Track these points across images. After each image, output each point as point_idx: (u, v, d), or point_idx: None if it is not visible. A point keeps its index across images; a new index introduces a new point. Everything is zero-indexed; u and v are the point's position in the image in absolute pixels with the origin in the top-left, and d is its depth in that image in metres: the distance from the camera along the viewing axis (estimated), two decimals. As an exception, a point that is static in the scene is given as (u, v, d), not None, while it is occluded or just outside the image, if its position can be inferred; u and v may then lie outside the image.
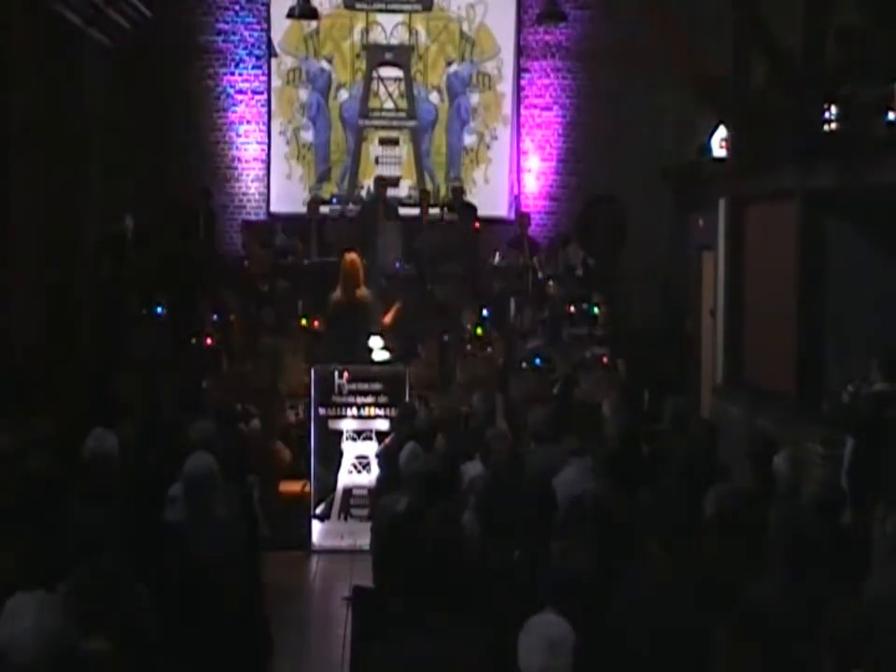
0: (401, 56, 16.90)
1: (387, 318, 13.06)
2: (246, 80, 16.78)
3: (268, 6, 16.67)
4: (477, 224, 15.58)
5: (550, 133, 16.97)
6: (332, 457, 11.29)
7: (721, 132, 14.39)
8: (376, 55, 16.89)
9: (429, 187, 16.34)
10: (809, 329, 11.56)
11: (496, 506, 6.06)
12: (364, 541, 9.81)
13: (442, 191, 16.53)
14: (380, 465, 9.71)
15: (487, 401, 9.99)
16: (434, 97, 16.95)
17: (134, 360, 12.85)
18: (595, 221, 15.80)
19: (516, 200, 16.77)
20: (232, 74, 16.77)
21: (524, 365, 12.99)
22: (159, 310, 13.48)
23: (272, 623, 6.91)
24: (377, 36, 16.87)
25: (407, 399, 11.35)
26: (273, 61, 16.75)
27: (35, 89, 12.70)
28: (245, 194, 16.83)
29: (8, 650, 4.15)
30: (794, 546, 5.25)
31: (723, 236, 13.90)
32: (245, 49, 16.77)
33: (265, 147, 16.79)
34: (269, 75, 16.76)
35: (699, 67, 13.59)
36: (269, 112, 16.78)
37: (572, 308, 14.34)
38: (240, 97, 16.78)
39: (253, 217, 16.34)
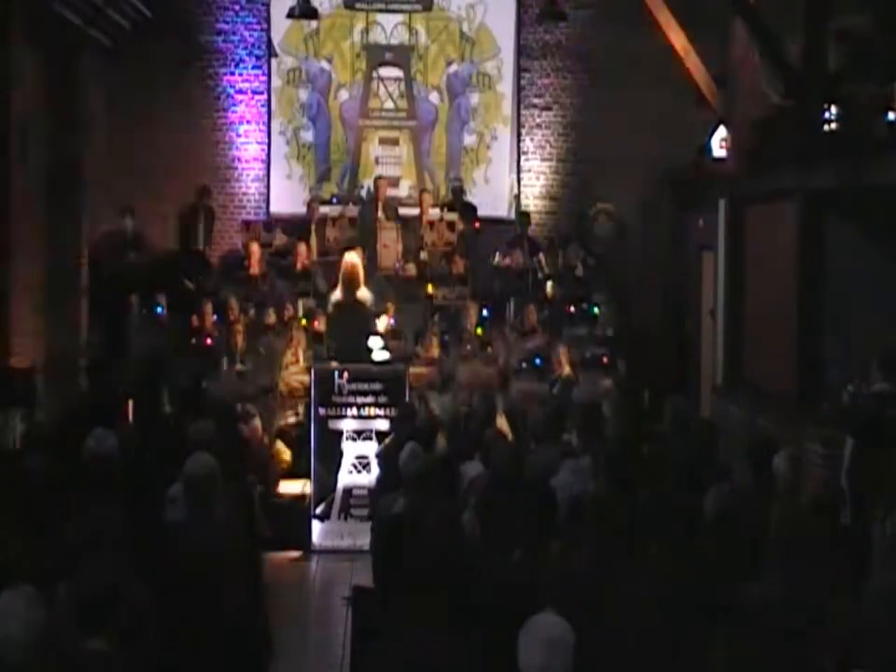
0: (401, 56, 16.90)
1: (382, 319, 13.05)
2: (246, 80, 16.78)
3: (268, 6, 16.67)
4: (477, 224, 15.58)
5: (550, 132, 16.97)
6: (332, 457, 11.29)
7: (721, 132, 14.39)
8: (376, 55, 16.88)
9: (429, 187, 16.34)
10: (809, 328, 11.56)
11: (496, 506, 6.06)
12: (364, 541, 9.81)
13: (442, 191, 16.52)
14: (380, 465, 9.71)
15: (487, 401, 9.99)
16: (434, 97, 16.95)
17: (134, 360, 12.85)
18: (596, 221, 15.81)
19: (516, 200, 16.77)
20: (232, 74, 16.76)
21: (524, 365, 12.98)
22: (159, 310, 13.48)
23: (272, 622, 6.91)
24: (377, 36, 16.87)
25: (407, 398, 11.35)
26: (273, 61, 16.74)
27: (35, 89, 12.70)
28: (244, 194, 16.82)
29: (2, 649, 4.15)
30: (794, 546, 5.25)
31: (723, 236, 13.90)
32: (245, 48, 16.77)
33: (265, 147, 16.79)
34: (269, 75, 16.75)
35: (699, 67, 13.59)
36: (269, 112, 16.78)
37: (572, 308, 14.34)
38: (240, 97, 16.77)
39: (253, 217, 16.33)
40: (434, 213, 15.26)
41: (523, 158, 16.95)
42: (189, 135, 16.59)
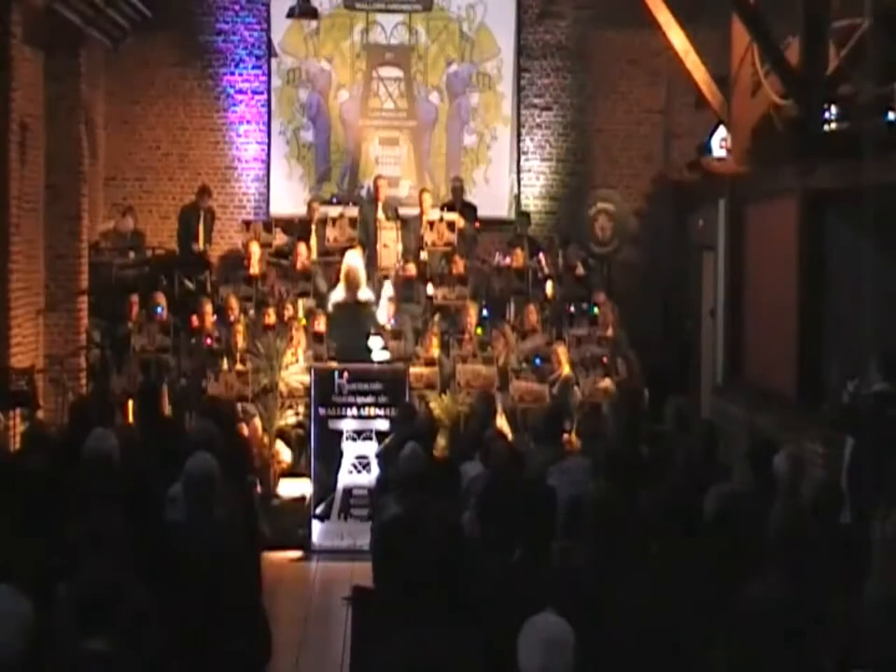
0: (401, 56, 16.90)
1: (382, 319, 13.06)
2: (246, 80, 16.78)
3: (268, 6, 16.67)
4: (477, 224, 15.58)
5: (550, 132, 16.98)
6: (332, 457, 11.29)
7: (721, 132, 14.39)
8: (376, 55, 16.89)
9: (429, 187, 16.34)
10: (809, 329, 11.56)
11: (496, 506, 6.05)
12: (364, 541, 9.81)
13: (442, 191, 16.52)
14: (380, 465, 9.71)
15: (487, 401, 9.99)
16: (434, 97, 16.95)
17: (134, 360, 12.85)
18: (596, 221, 15.81)
19: (516, 200, 16.77)
20: (232, 74, 16.77)
21: (524, 365, 12.98)
22: (159, 310, 13.48)
23: (272, 622, 6.90)
24: (377, 36, 16.87)
25: (407, 398, 11.34)
26: (273, 61, 16.75)
27: (35, 89, 12.71)
28: (244, 194, 16.83)
29: None
30: (794, 546, 5.25)
31: (723, 236, 13.89)
32: (245, 48, 16.77)
33: (265, 146, 16.79)
34: (269, 75, 16.76)
35: (699, 67, 13.59)
36: (269, 112, 16.78)
37: (572, 308, 14.33)
38: (240, 97, 16.78)
39: (253, 217, 16.34)
40: (434, 213, 15.25)
41: (523, 158, 16.95)
42: (189, 135, 16.60)
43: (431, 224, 14.87)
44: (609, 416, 9.54)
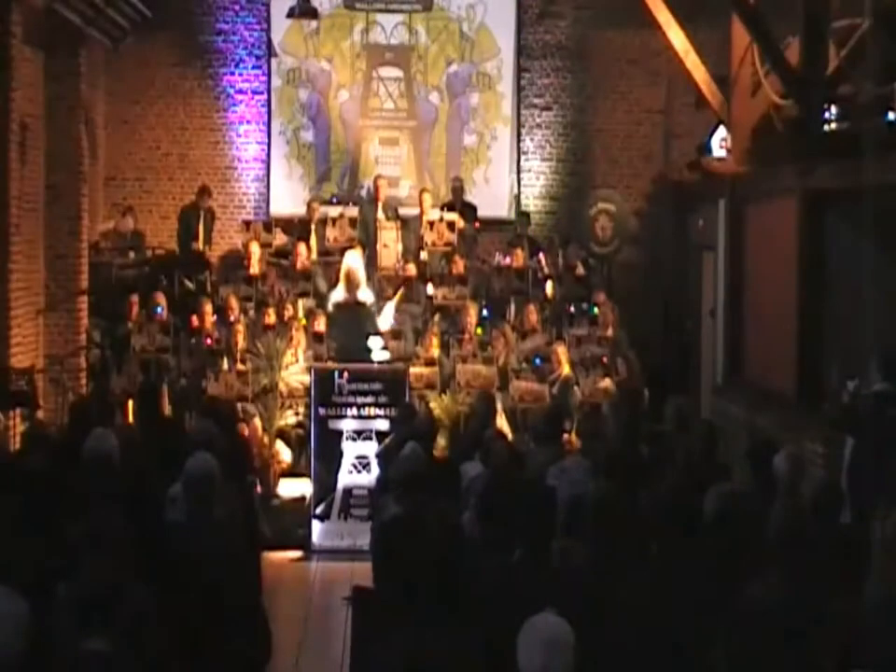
0: (401, 56, 16.90)
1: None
2: (246, 80, 16.79)
3: (268, 6, 16.67)
4: (477, 224, 15.58)
5: (550, 132, 16.98)
6: (332, 457, 11.28)
7: (721, 132, 14.39)
8: (376, 55, 16.89)
9: (429, 187, 16.34)
10: (809, 328, 11.56)
11: (496, 506, 6.06)
12: (364, 541, 9.81)
13: (442, 191, 16.52)
14: (380, 465, 9.71)
15: (487, 401, 9.98)
16: (434, 97, 16.95)
17: (134, 360, 12.85)
18: (596, 221, 15.81)
19: (516, 200, 16.77)
20: (232, 74, 16.77)
21: (524, 365, 12.98)
22: (159, 310, 13.48)
23: (272, 622, 6.90)
24: (377, 36, 16.87)
25: (407, 399, 11.34)
26: (273, 61, 16.75)
27: (35, 89, 12.71)
28: (244, 194, 16.83)
29: None
30: (794, 546, 5.25)
31: (723, 236, 13.89)
32: (245, 48, 16.78)
33: (265, 146, 16.80)
34: (269, 75, 16.76)
35: (699, 67, 13.59)
36: (269, 112, 16.78)
37: (572, 308, 14.33)
38: (240, 97, 16.78)
39: (253, 217, 16.34)
40: (434, 213, 15.25)
41: (523, 158, 16.95)
42: (189, 135, 16.60)
43: (431, 224, 14.88)
44: (609, 416, 9.53)
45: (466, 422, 11.46)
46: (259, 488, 11.02)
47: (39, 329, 13.01)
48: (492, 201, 16.59)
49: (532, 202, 16.86)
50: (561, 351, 12.90)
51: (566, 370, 12.77)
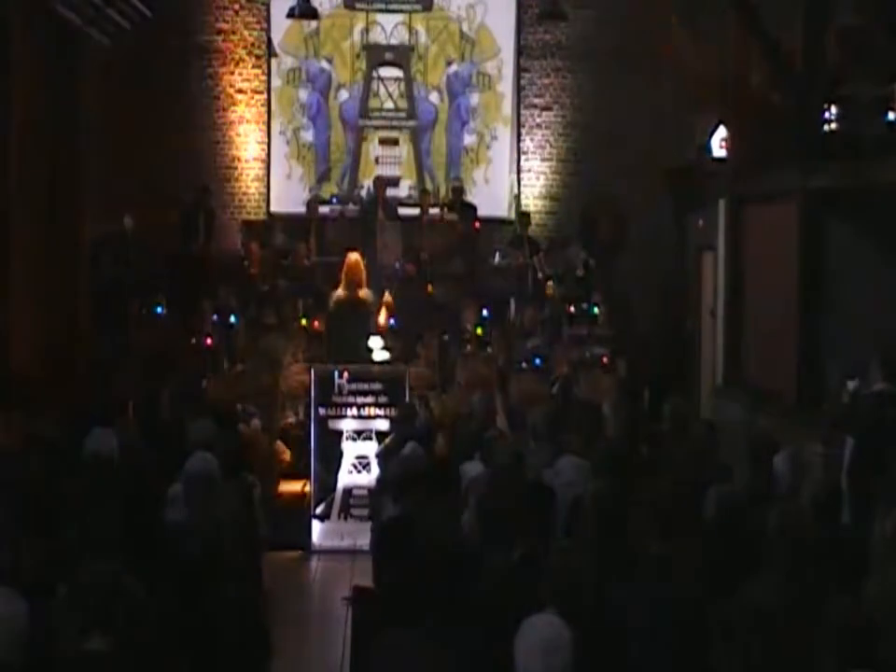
0: (401, 56, 16.90)
1: (381, 318, 13.05)
2: (246, 80, 16.79)
3: (268, 6, 16.67)
4: (477, 224, 15.58)
5: (550, 133, 16.97)
6: (332, 457, 11.29)
7: (721, 132, 14.39)
8: (376, 55, 16.88)
9: (429, 187, 16.34)
10: (809, 328, 11.57)
11: (496, 506, 6.06)
12: (364, 541, 9.82)
13: (442, 191, 16.52)
14: (380, 465, 9.71)
15: (487, 401, 9.98)
16: (434, 97, 16.95)
17: (134, 360, 12.85)
18: (597, 221, 15.82)
19: (516, 200, 16.77)
20: (232, 74, 16.77)
21: (524, 365, 12.98)
22: (159, 310, 13.48)
23: (272, 622, 6.91)
24: (377, 36, 16.87)
25: (407, 399, 11.34)
26: (273, 61, 16.75)
27: (35, 89, 12.70)
28: (245, 194, 16.83)
29: None
30: (794, 546, 5.25)
31: (723, 236, 13.90)
32: (245, 48, 16.77)
33: (265, 146, 16.80)
34: (269, 75, 16.76)
35: (699, 67, 13.60)
36: (269, 112, 16.78)
37: (572, 308, 14.34)
38: (240, 97, 16.78)
39: (253, 217, 16.33)
40: (434, 213, 15.25)
41: (523, 158, 16.95)
42: (189, 135, 16.60)
43: (431, 224, 14.87)
44: (609, 416, 9.52)
45: (466, 422, 11.45)
46: (258, 488, 11.00)
47: (39, 328, 13.00)
48: (492, 201, 16.59)
49: (532, 202, 16.85)
50: (561, 351, 12.90)
51: (566, 370, 12.77)
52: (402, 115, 16.93)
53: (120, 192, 16.27)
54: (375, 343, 11.69)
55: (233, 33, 16.76)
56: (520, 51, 16.90)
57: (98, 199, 15.40)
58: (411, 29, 16.86)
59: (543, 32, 16.82)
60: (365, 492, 11.00)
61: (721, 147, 14.47)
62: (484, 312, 13.90)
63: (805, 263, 11.62)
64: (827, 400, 10.48)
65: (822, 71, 11.52)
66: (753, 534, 5.53)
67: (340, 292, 11.84)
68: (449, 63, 16.94)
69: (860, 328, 11.05)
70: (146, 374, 12.58)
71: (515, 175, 16.88)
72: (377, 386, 11.33)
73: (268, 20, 16.70)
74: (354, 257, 12.12)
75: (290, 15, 15.52)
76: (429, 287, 14.30)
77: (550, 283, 14.61)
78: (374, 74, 16.85)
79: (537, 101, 16.97)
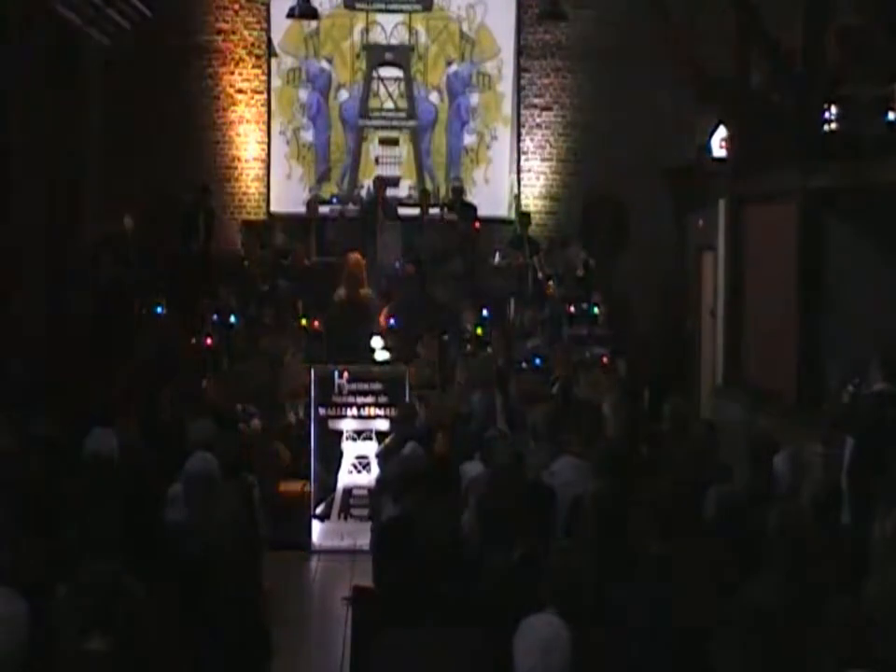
0: (401, 56, 16.90)
1: (381, 318, 13.07)
2: (246, 80, 16.79)
3: (268, 6, 16.68)
4: (477, 224, 15.58)
5: (550, 132, 16.98)
6: (332, 457, 11.29)
7: (721, 132, 14.39)
8: (376, 55, 16.89)
9: (429, 187, 16.35)
10: (809, 328, 11.57)
11: (496, 506, 6.06)
12: (364, 541, 9.81)
13: (442, 191, 16.53)
14: (380, 465, 9.71)
15: (487, 401, 9.98)
16: (434, 97, 16.95)
17: (134, 360, 12.84)
18: (597, 221, 15.82)
19: (516, 200, 16.77)
20: (232, 73, 16.77)
21: (524, 365, 12.98)
22: (159, 310, 13.48)
23: (272, 622, 6.90)
24: (377, 36, 16.88)
25: (407, 399, 11.34)
26: (273, 61, 16.75)
27: (35, 88, 12.71)
28: (245, 194, 16.83)
29: None
30: (794, 546, 5.25)
31: (723, 236, 13.90)
32: (245, 48, 16.78)
33: (265, 146, 16.80)
34: (269, 75, 16.77)
35: (699, 67, 13.60)
36: (269, 112, 16.79)
37: (572, 308, 14.33)
38: (240, 97, 16.78)
39: (253, 217, 16.33)
40: (434, 213, 15.25)
41: (523, 158, 16.95)
42: (189, 135, 16.60)
43: (431, 224, 14.87)
44: (609, 416, 9.51)
45: (466, 422, 11.45)
46: (258, 488, 11.00)
47: (39, 328, 13.01)
48: (492, 201, 16.59)
49: (532, 202, 16.86)
50: (561, 351, 12.89)
51: (566, 370, 12.76)
52: (402, 115, 16.93)
53: (120, 192, 16.28)
54: (377, 342, 11.70)
55: (233, 33, 16.76)
56: (520, 51, 16.90)
57: (98, 199, 15.42)
58: (411, 29, 16.87)
59: (543, 32, 16.83)
60: (365, 492, 11.00)
61: (721, 146, 14.47)
62: (484, 312, 13.90)
63: (805, 263, 11.62)
64: (827, 400, 10.48)
65: (822, 71, 11.52)
66: (753, 534, 5.53)
67: (341, 292, 11.85)
68: (449, 63, 16.94)
69: (860, 328, 11.05)
70: (146, 374, 12.57)
71: (515, 174, 16.88)
72: (377, 386, 11.33)
73: (268, 20, 16.71)
74: (355, 257, 12.13)
75: (290, 15, 15.53)
76: (429, 287, 14.30)
77: (550, 283, 14.61)
78: (374, 74, 16.86)
79: (537, 101, 16.97)
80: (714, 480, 6.57)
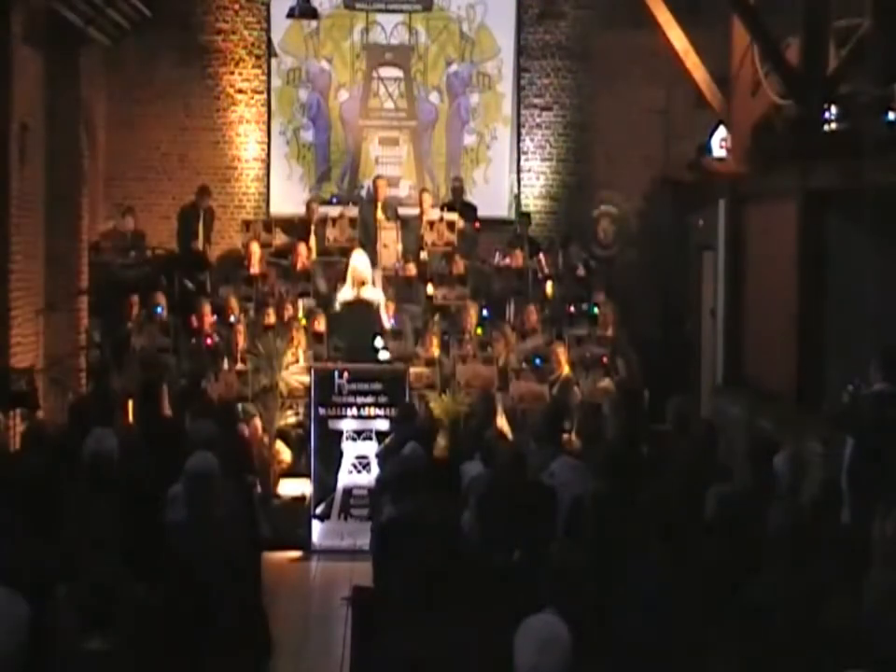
0: (401, 56, 16.90)
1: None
2: (246, 80, 16.78)
3: (268, 6, 16.67)
4: (477, 224, 15.58)
5: (550, 132, 16.97)
6: (332, 457, 11.29)
7: (721, 132, 14.39)
8: (376, 55, 16.88)
9: (429, 187, 16.34)
10: (809, 328, 11.56)
11: (496, 506, 6.06)
12: (364, 541, 9.82)
13: (442, 191, 16.52)
14: (380, 465, 9.71)
15: (487, 401, 9.98)
16: (434, 97, 16.95)
17: (134, 360, 12.84)
18: (596, 221, 15.82)
19: (516, 200, 16.77)
20: (232, 74, 16.77)
21: (524, 365, 12.97)
22: (159, 310, 13.47)
23: (272, 623, 6.91)
24: (377, 36, 16.87)
25: (407, 399, 11.34)
26: (273, 61, 16.75)
27: (35, 89, 12.69)
28: (245, 194, 16.82)
29: None
30: (794, 546, 5.25)
31: (723, 236, 13.89)
32: (245, 48, 16.77)
33: (265, 146, 16.79)
34: (269, 75, 16.76)
35: (699, 67, 13.59)
36: (269, 112, 16.78)
37: (572, 308, 14.33)
38: (240, 97, 16.78)
39: (253, 217, 16.33)
40: (434, 213, 15.25)
41: (523, 158, 16.95)
42: (189, 135, 16.60)
43: (431, 224, 14.87)
44: (609, 416, 9.51)
45: (466, 422, 11.46)
46: (258, 488, 11.01)
47: (39, 328, 12.98)
48: (492, 201, 16.59)
49: (532, 202, 16.85)
50: (561, 351, 12.88)
51: (566, 370, 12.76)
52: (402, 115, 16.93)
53: (120, 192, 16.29)
54: (378, 342, 11.69)
55: (233, 33, 16.76)
56: (520, 51, 16.90)
57: (98, 199, 15.42)
58: (411, 29, 16.86)
59: (543, 32, 16.82)
60: (365, 492, 11.00)
61: (721, 146, 14.47)
62: (484, 312, 13.89)
63: (805, 263, 11.62)
64: (827, 400, 10.47)
65: (822, 71, 11.51)
66: (753, 534, 5.53)
67: (346, 292, 11.85)
68: (449, 63, 16.94)
69: (860, 328, 11.04)
70: (146, 374, 12.57)
71: (515, 174, 16.88)
72: (377, 386, 11.34)
73: (268, 20, 16.70)
74: (359, 256, 12.12)
75: (290, 15, 15.52)
76: (429, 287, 14.29)
77: (550, 283, 14.61)
78: (374, 74, 16.85)
79: (537, 101, 16.97)
80: (714, 480, 6.57)
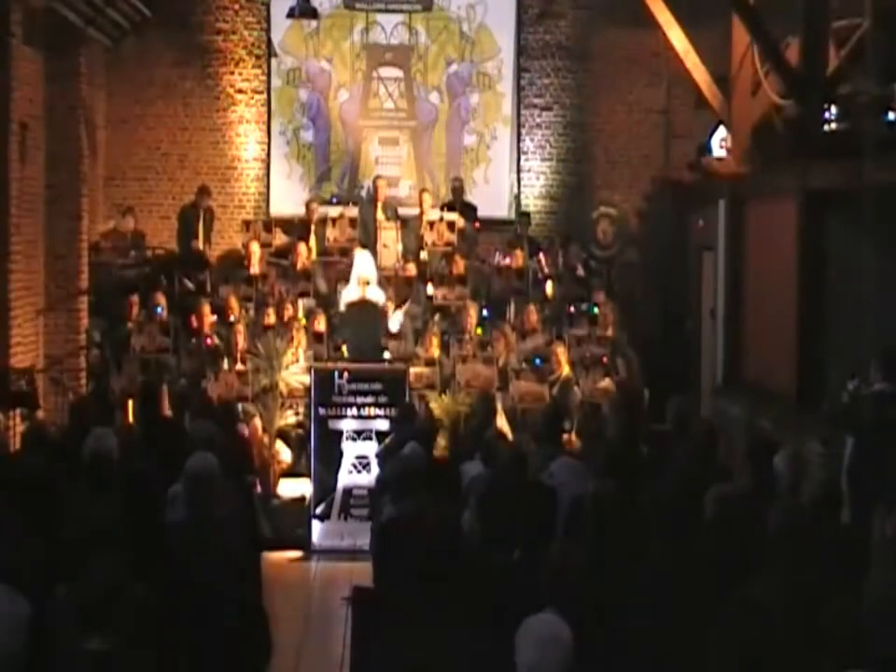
0: (401, 56, 16.90)
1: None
2: (246, 80, 16.79)
3: (268, 6, 16.67)
4: (477, 224, 15.58)
5: (550, 132, 16.97)
6: (332, 457, 11.29)
7: (721, 132, 14.39)
8: (376, 55, 16.88)
9: (429, 187, 16.33)
10: (809, 328, 11.56)
11: (496, 506, 6.06)
12: (364, 541, 9.82)
13: (442, 191, 16.52)
14: (380, 465, 9.71)
15: (487, 401, 9.98)
16: (434, 97, 16.95)
17: (134, 360, 12.84)
18: (596, 221, 15.83)
19: (516, 200, 16.77)
20: (232, 74, 16.77)
21: (524, 365, 12.97)
22: (159, 310, 13.47)
23: (272, 623, 6.90)
24: (377, 36, 16.87)
25: (407, 399, 11.34)
26: (273, 61, 16.75)
27: (35, 89, 12.71)
28: (245, 194, 16.82)
29: None
30: (794, 546, 5.25)
31: (723, 236, 13.90)
32: (245, 48, 16.77)
33: (265, 146, 16.80)
34: (269, 75, 16.76)
35: (699, 67, 13.60)
36: (269, 112, 16.78)
37: (572, 308, 14.33)
38: (240, 97, 16.78)
39: (253, 217, 16.33)
40: (434, 213, 15.25)
41: (523, 158, 16.95)
42: (189, 135, 16.60)
43: (431, 224, 14.87)
44: (608, 416, 9.52)
45: (466, 422, 11.46)
46: (258, 488, 11.02)
47: (39, 328, 13.01)
48: (492, 201, 16.59)
49: (532, 202, 16.86)
50: (561, 351, 12.88)
51: (566, 370, 12.76)
52: (402, 115, 16.93)
53: (120, 192, 16.29)
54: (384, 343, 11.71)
55: (233, 33, 16.76)
56: (520, 51, 16.90)
57: (98, 199, 15.42)
58: (411, 29, 16.86)
59: (543, 32, 16.83)
60: (365, 492, 11.00)
61: (721, 146, 14.47)
62: (484, 312, 13.89)
63: (805, 263, 11.62)
64: (827, 400, 10.47)
65: (822, 71, 11.51)
66: (753, 534, 5.53)
67: (351, 292, 11.85)
68: (449, 63, 16.94)
69: (860, 328, 11.05)
70: (145, 374, 12.58)
71: (515, 174, 16.88)
72: (377, 386, 11.34)
73: (268, 20, 16.71)
74: (363, 256, 12.12)
75: (290, 15, 15.53)
76: (429, 287, 14.29)
77: (550, 283, 14.61)
78: (374, 74, 16.85)
79: (537, 101, 16.97)
80: (714, 480, 6.56)
